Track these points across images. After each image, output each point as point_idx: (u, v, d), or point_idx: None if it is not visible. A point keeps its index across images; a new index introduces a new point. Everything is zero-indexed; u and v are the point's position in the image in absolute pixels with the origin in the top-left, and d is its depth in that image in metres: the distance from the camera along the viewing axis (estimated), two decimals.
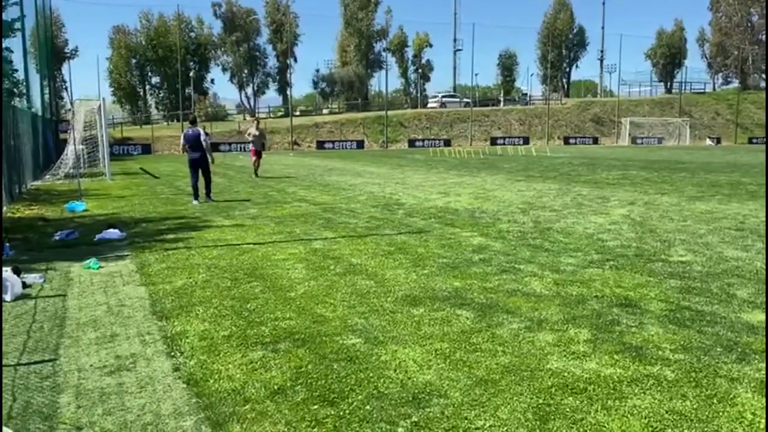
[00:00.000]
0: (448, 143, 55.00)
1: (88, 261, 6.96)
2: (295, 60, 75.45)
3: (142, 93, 68.31)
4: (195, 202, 12.89)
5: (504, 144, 56.00)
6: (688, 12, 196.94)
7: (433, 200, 13.06)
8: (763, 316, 4.73)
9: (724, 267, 6.43)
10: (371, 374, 3.72)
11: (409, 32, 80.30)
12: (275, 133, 52.39)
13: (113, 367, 3.96)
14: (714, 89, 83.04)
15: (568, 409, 3.23)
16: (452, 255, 7.17)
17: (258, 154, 19.77)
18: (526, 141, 58.18)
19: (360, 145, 53.50)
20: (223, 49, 70.64)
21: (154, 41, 64.86)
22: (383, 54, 76.58)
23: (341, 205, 12.35)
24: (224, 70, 72.56)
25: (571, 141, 60.72)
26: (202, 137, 13.09)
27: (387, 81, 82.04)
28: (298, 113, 66.68)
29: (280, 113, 68.26)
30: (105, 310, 5.24)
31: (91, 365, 3.99)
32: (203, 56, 68.68)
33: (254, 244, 8.09)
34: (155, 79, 68.33)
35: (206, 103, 65.93)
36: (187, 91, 58.40)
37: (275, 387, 3.57)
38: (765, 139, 54.33)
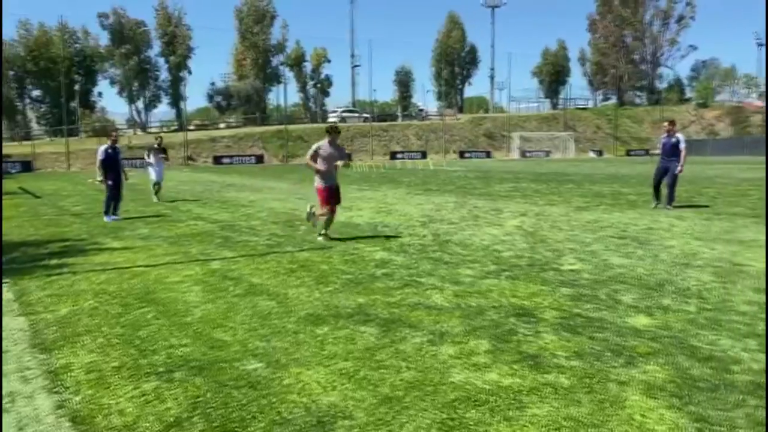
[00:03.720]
0: (349, 158, 55.20)
1: None
2: (189, 73, 73.36)
3: (21, 107, 63.82)
4: (108, 219, 12.59)
5: (403, 158, 56.97)
6: (569, 32, 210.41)
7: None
8: (646, 320, 5.03)
9: (609, 274, 6.81)
10: (274, 400, 3.60)
11: (307, 47, 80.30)
12: (168, 148, 50.51)
13: None
14: (595, 105, 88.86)
15: (471, 423, 3.26)
16: (355, 270, 7.15)
17: (160, 174, 17.63)
18: (424, 155, 59.50)
19: (260, 159, 52.63)
20: (111, 61, 67.41)
21: (34, 52, 60.89)
22: (281, 68, 76.03)
23: (240, 222, 12.03)
24: (113, 83, 69.34)
25: (466, 155, 62.76)
26: (121, 155, 13.13)
27: (286, 95, 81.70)
28: (192, 127, 64.73)
29: (174, 127, 65.93)
30: None
31: None
32: (89, 68, 65.28)
33: (146, 266, 7.68)
34: (36, 93, 64.11)
35: (93, 117, 62.58)
36: (72, 104, 55.16)
37: (171, 419, 3.37)
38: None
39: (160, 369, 4.13)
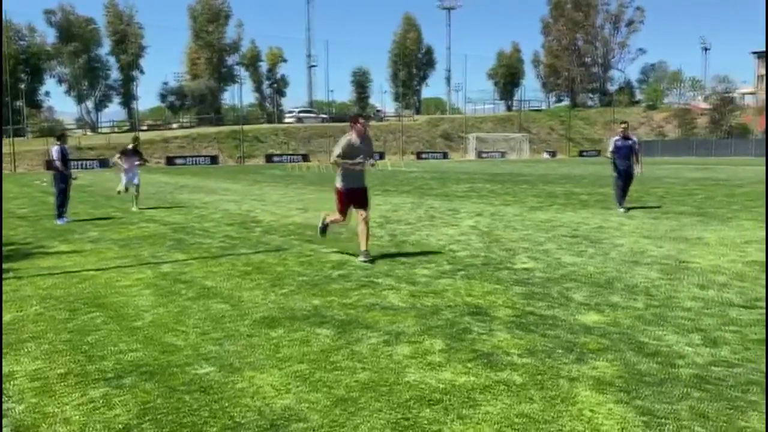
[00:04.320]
0: (306, 158, 54.96)
1: None
2: (141, 72, 71.90)
3: None
4: (62, 221, 12.32)
5: None
6: (523, 35, 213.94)
7: (292, 216, 12.93)
8: (596, 317, 5.15)
9: (562, 272, 6.95)
10: (226, 404, 3.55)
11: (263, 46, 79.55)
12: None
13: None
14: (548, 107, 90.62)
15: (425, 422, 3.28)
16: (312, 272, 7.11)
17: (133, 178, 15.08)
18: (382, 156, 59.58)
19: (214, 160, 51.89)
20: (59, 59, 65.37)
21: None
22: (236, 68, 75.12)
23: (194, 224, 11.83)
24: (60, 81, 67.27)
25: (424, 156, 63.19)
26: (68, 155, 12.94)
27: (241, 95, 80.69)
28: (145, 127, 63.37)
29: (125, 127, 64.46)
30: None
31: None
32: (36, 67, 63.13)
33: (95, 270, 7.47)
34: None
35: (40, 117, 60.59)
36: (17, 104, 53.28)
37: (119, 426, 3.29)
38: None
39: (109, 375, 4.02)
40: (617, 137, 13.32)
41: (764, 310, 5.27)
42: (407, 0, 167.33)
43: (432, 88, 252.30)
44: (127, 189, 15.29)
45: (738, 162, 45.88)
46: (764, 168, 34.33)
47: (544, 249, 8.50)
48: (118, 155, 15.26)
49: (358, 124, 7.72)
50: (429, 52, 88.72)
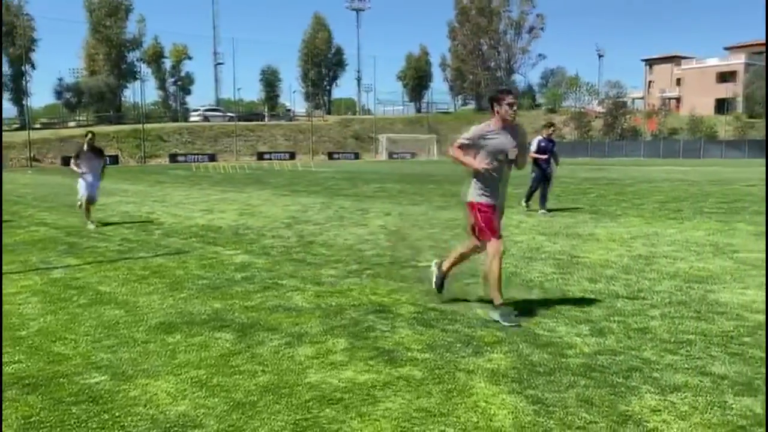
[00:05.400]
0: (212, 158, 53.55)
1: None
2: (33, 67, 67.49)
3: None
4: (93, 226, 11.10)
5: (270, 159, 56.18)
6: (431, 38, 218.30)
7: (195, 218, 12.55)
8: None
9: (463, 268, 7.12)
10: (117, 414, 3.40)
11: (166, 43, 76.72)
12: (10, 148, 46.18)
13: None
14: (455, 109, 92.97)
15: (325, 421, 3.28)
16: (213, 275, 6.93)
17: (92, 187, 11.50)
18: (293, 156, 59.10)
19: (114, 160, 49.44)
20: None
21: None
22: (137, 64, 72.08)
23: (89, 227, 11.23)
24: None
25: (335, 156, 63.16)
26: None
27: (143, 92, 77.65)
28: (38, 126, 59.61)
29: (16, 125, 60.30)
30: None
31: None
32: None
33: None
34: None
35: None
36: None
37: None
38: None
39: None
40: (541, 138, 13.10)
41: (646, 301, 5.65)
42: (317, 0, 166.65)
43: (342, 89, 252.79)
44: (89, 200, 11.45)
45: (629, 162, 48.94)
46: (651, 168, 36.81)
47: (449, 246, 8.69)
48: (73, 160, 11.57)
49: (504, 105, 5.20)
50: (339, 52, 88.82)
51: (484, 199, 5.27)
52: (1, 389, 3.59)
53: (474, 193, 5.31)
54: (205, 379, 3.86)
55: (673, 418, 3.29)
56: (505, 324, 4.92)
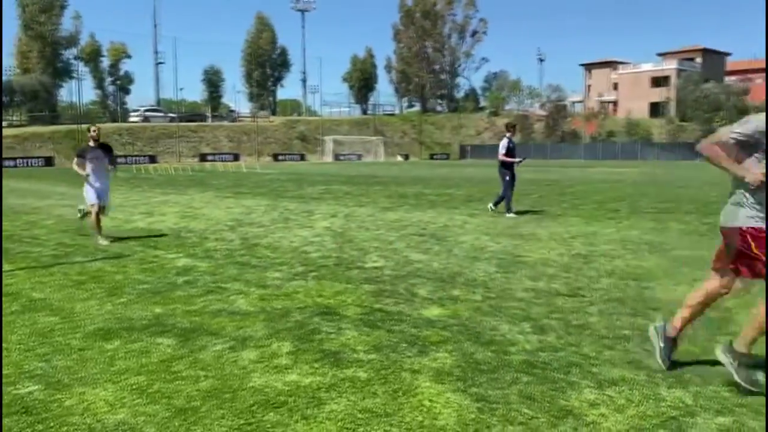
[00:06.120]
0: (153, 160, 52.17)
1: None
2: None
3: None
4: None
5: (214, 161, 55.15)
6: (376, 40, 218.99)
7: (135, 221, 12.21)
8: (439, 311, 5.39)
9: (409, 269, 7.20)
10: (52, 424, 3.27)
11: (104, 41, 74.37)
12: None
13: None
14: (401, 111, 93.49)
15: (268, 425, 3.24)
16: (154, 279, 6.75)
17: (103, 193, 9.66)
18: (237, 158, 58.17)
19: (49, 162, 47.67)
20: None
21: None
22: (74, 62, 69.57)
23: (22, 231, 10.77)
24: None
25: (280, 158, 62.53)
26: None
27: (80, 92, 75.00)
28: None
29: None
30: None
31: None
32: None
33: None
34: None
35: None
36: None
37: None
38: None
39: None
40: (509, 139, 12.84)
41: (585, 298, 5.82)
42: (260, 0, 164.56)
43: (288, 89, 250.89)
44: (101, 206, 9.63)
45: (569, 164, 50.35)
46: (590, 170, 37.97)
47: (394, 248, 8.75)
48: (76, 159, 9.75)
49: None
50: (284, 52, 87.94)
51: (759, 223, 3.70)
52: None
53: (745, 214, 3.74)
54: (145, 386, 3.76)
55: (610, 411, 3.40)
56: (739, 380, 3.67)
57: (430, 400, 3.54)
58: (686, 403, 3.50)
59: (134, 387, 3.75)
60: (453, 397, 3.59)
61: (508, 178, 12.79)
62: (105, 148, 9.81)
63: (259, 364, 4.13)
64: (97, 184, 9.53)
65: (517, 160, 13.02)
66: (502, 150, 12.86)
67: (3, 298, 5.93)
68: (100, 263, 7.72)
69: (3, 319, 5.24)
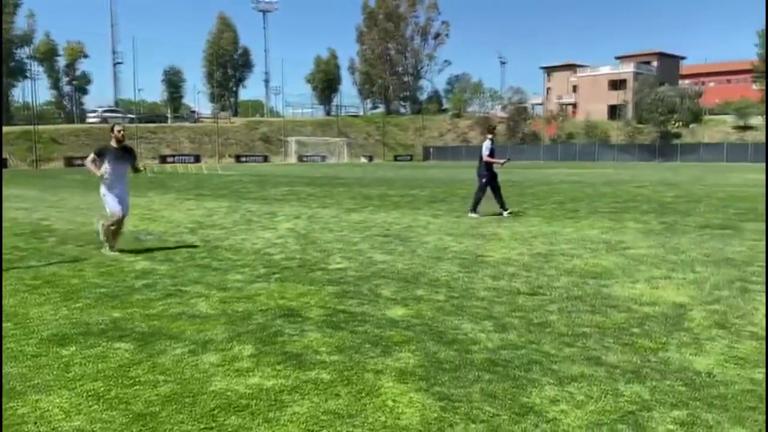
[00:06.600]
0: None
1: None
2: None
3: None
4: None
5: (174, 162, 54.26)
6: (340, 42, 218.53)
7: (93, 224, 11.90)
8: (402, 311, 5.40)
9: (373, 270, 7.20)
10: None
11: (60, 40, 72.50)
12: None
13: None
14: (365, 113, 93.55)
15: (230, 429, 3.20)
16: (112, 283, 6.60)
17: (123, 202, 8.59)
18: (198, 159, 57.38)
19: (2, 163, 46.16)
20: None
21: None
22: (27, 62, 67.65)
23: None
24: None
25: (243, 159, 61.91)
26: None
27: (35, 92, 72.98)
28: None
29: None
30: None
31: None
32: None
33: None
34: None
35: None
36: None
37: None
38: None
39: None
40: (490, 140, 12.83)
41: (545, 297, 5.91)
42: (222, 0, 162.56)
43: (250, 90, 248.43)
44: (120, 219, 8.62)
45: (530, 165, 51.09)
46: (550, 171, 38.60)
47: (358, 249, 8.74)
48: (92, 155, 8.54)
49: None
50: (246, 53, 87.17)
51: None
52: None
53: None
54: (103, 392, 3.67)
55: (570, 407, 3.45)
56: None
57: (394, 400, 3.54)
58: (643, 397, 3.58)
59: (91, 393, 3.66)
60: (416, 396, 3.60)
61: (485, 180, 12.82)
62: (128, 151, 8.80)
63: (221, 367, 4.07)
64: (116, 190, 8.52)
65: (501, 161, 13.22)
66: (485, 151, 12.86)
67: None
68: (55, 267, 7.51)
69: None
